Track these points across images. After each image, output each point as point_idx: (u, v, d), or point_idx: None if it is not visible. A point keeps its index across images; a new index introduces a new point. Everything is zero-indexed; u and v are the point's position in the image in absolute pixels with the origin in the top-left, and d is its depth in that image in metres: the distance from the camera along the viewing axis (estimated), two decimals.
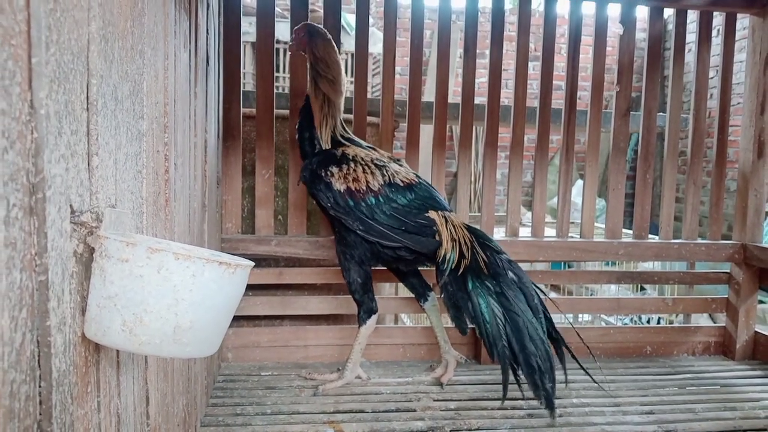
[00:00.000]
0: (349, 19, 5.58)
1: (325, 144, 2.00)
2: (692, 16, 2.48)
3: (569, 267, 3.75)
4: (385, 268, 2.18)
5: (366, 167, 1.96)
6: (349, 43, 5.08)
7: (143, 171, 1.07)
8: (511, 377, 1.78)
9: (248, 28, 4.34)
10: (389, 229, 1.93)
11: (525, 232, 2.53)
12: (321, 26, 2.08)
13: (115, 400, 0.94)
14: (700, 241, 2.47)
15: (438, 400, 1.99)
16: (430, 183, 2.10)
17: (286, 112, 2.32)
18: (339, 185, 1.92)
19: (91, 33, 0.80)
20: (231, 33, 2.17)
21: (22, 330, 0.61)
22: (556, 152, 6.07)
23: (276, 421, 1.80)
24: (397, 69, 6.88)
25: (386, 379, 2.14)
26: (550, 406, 1.75)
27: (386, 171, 1.99)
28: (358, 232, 1.91)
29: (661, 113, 2.70)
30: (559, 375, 1.79)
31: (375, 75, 5.78)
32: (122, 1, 0.93)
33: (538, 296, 1.87)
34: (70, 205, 0.74)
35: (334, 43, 2.03)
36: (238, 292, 0.83)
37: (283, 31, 4.07)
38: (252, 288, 2.31)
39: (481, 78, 2.42)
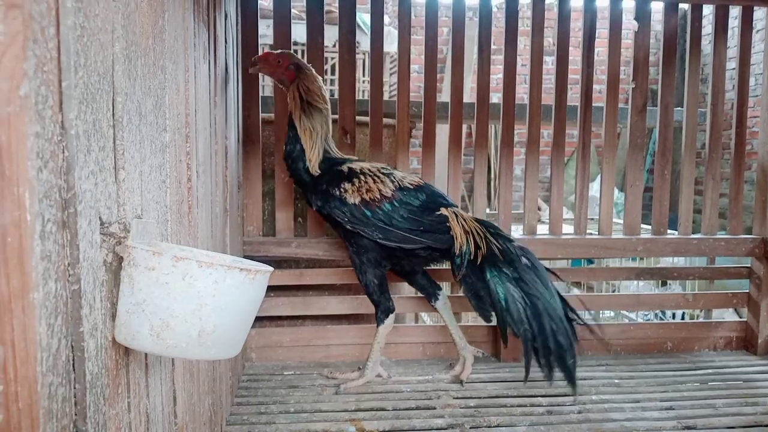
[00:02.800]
0: (365, 18, 5.62)
1: (314, 170, 2.03)
2: (708, 10, 2.46)
3: (590, 263, 3.75)
4: (395, 271, 2.21)
5: (375, 177, 2.01)
6: (365, 42, 5.12)
7: (167, 181, 1.12)
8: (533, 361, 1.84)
9: (266, 31, 4.40)
10: (408, 231, 1.97)
11: (543, 230, 2.54)
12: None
13: (144, 401, 0.99)
14: (719, 235, 2.46)
15: (458, 398, 2.01)
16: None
17: None
18: (353, 199, 1.96)
19: (116, 53, 0.85)
20: (249, 41, 2.22)
21: (57, 336, 0.66)
22: (574, 149, 6.06)
23: (299, 419, 1.85)
24: (414, 67, 6.92)
25: (406, 378, 2.18)
26: (572, 382, 1.81)
27: (394, 177, 2.04)
28: (378, 240, 1.96)
29: (678, 108, 2.69)
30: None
31: (392, 74, 5.82)
32: (144, 20, 0.97)
33: (552, 280, 1.95)
34: (100, 217, 0.79)
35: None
36: (259, 296, 0.87)
37: (300, 32, 4.13)
38: (274, 289, 2.36)
39: (497, 75, 2.44)
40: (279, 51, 2.05)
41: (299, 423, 1.82)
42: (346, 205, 1.98)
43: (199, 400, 1.42)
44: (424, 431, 1.79)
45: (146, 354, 0.99)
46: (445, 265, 2.15)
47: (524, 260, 1.96)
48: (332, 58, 5.79)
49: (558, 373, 1.82)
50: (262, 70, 2.05)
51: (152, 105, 1.03)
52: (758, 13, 2.66)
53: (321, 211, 2.02)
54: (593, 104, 2.46)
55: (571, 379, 1.81)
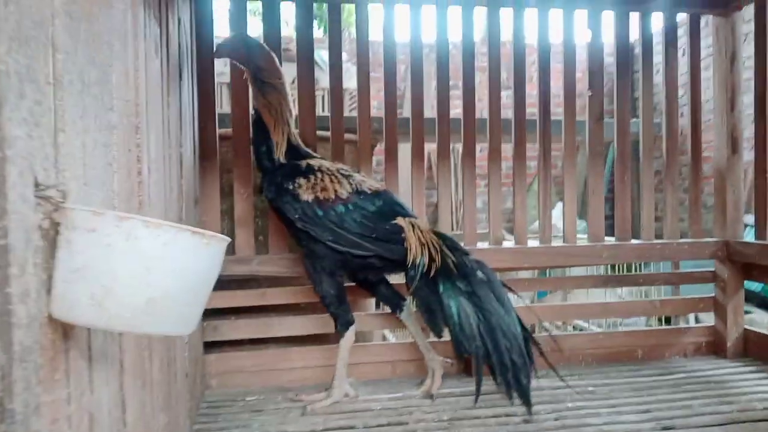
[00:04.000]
0: (322, 54, 5.66)
1: (280, 154, 1.98)
2: (658, 19, 2.54)
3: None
4: (354, 283, 2.15)
5: (333, 177, 1.96)
6: (324, 79, 5.14)
7: (114, 165, 1.04)
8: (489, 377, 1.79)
9: (224, 69, 4.37)
10: (359, 237, 1.91)
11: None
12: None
13: (87, 396, 0.89)
14: (682, 240, 2.47)
15: (430, 413, 1.93)
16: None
17: None
18: (307, 196, 1.90)
19: (56, 7, 0.79)
20: (204, 52, 2.17)
21: None
22: (534, 177, 6.16)
23: None
24: (373, 103, 6.97)
25: (376, 396, 2.08)
26: (527, 403, 1.76)
27: (352, 180, 1.99)
28: (327, 243, 1.89)
29: (634, 119, 2.75)
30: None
31: (351, 110, 5.84)
32: None
33: (508, 295, 1.90)
34: (35, 177, 0.71)
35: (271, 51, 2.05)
36: (214, 266, 0.80)
37: None
38: (234, 311, 2.26)
39: (457, 100, 2.44)
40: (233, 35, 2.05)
41: None
42: (299, 202, 1.91)
43: (153, 414, 1.30)
44: None
45: (90, 344, 0.89)
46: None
47: (480, 274, 1.90)
48: (292, 94, 5.81)
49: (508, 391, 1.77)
50: (222, 54, 2.04)
51: (97, 78, 0.96)
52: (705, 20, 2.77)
53: (272, 203, 1.95)
54: (552, 117, 2.48)
55: (525, 398, 1.76)
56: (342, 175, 1.98)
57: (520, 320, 1.86)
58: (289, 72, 2.33)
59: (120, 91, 1.10)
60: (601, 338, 2.45)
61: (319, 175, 1.94)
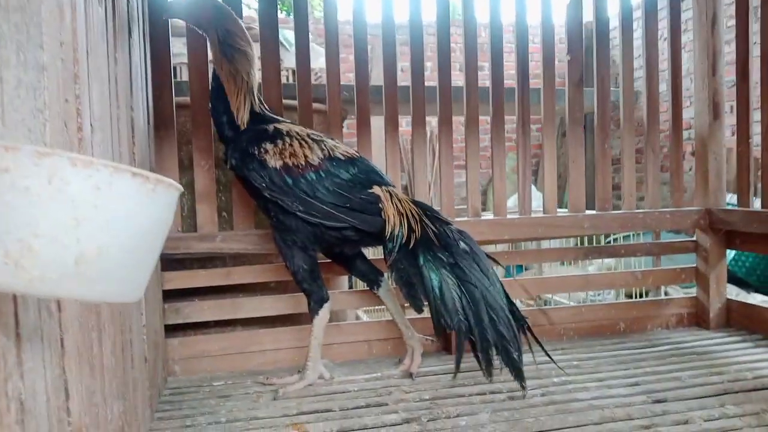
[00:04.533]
0: (287, 35, 5.45)
1: (243, 123, 1.83)
2: None
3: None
4: (329, 259, 2.02)
5: (303, 141, 1.81)
6: (288, 59, 4.94)
7: (45, 112, 0.89)
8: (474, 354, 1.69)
9: (182, 49, 4.14)
10: (332, 207, 1.77)
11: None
12: None
13: (15, 383, 0.74)
14: (664, 209, 2.40)
15: (411, 392, 1.82)
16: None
17: None
18: (275, 162, 1.75)
19: None
20: (157, 15, 1.98)
21: None
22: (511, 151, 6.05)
23: (232, 429, 1.60)
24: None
25: (353, 377, 1.96)
26: (520, 376, 1.67)
27: (324, 145, 1.84)
28: (298, 213, 1.75)
29: (614, 89, 2.66)
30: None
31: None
32: None
33: (492, 266, 1.79)
34: None
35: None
36: (162, 218, 0.65)
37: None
38: (198, 292, 2.10)
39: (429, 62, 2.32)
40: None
41: None
42: (266, 169, 1.76)
43: (104, 402, 1.15)
44: (377, 428, 1.57)
45: (17, 320, 0.74)
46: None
47: (462, 245, 1.78)
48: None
49: (497, 367, 1.69)
50: (176, 14, 1.85)
51: (19, 3, 0.80)
52: None
53: (237, 172, 1.80)
54: (530, 84, 2.38)
55: (518, 372, 1.67)
56: (312, 140, 1.83)
57: (505, 293, 1.75)
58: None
59: (52, 28, 0.94)
60: (583, 311, 2.37)
61: (287, 139, 1.79)
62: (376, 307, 3.05)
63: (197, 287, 2.09)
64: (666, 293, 3.51)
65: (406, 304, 1.91)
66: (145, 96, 1.86)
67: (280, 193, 1.75)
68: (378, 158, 2.32)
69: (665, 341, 2.25)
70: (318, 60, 5.31)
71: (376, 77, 2.27)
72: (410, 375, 1.95)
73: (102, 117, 1.27)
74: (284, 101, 2.16)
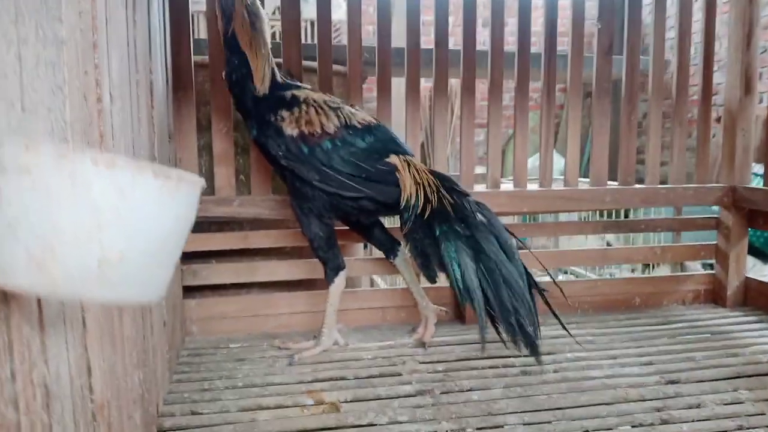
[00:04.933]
0: None
1: (264, 89, 1.79)
2: None
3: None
4: (346, 226, 2.01)
5: (319, 108, 1.77)
6: (306, 10, 4.82)
7: (65, 88, 0.86)
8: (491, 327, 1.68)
9: None
10: (348, 177, 1.75)
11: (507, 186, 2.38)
12: None
13: (40, 369, 0.75)
14: (687, 185, 2.35)
15: (424, 363, 1.83)
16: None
17: None
18: (291, 130, 1.73)
19: None
20: None
21: None
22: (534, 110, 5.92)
23: (248, 394, 1.63)
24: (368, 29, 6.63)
25: (366, 344, 1.98)
26: (535, 351, 1.62)
27: (341, 112, 1.81)
28: (314, 183, 1.73)
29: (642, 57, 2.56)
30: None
31: (337, 40, 5.55)
32: None
33: (511, 239, 1.75)
34: None
35: None
36: (185, 215, 0.64)
37: None
38: (215, 254, 2.11)
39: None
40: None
41: (248, 398, 1.59)
42: (282, 136, 1.74)
43: (125, 373, 1.17)
44: (390, 399, 1.59)
45: (40, 306, 0.74)
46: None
47: (480, 216, 1.75)
48: (272, 27, 5.50)
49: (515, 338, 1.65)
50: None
51: None
52: None
53: (257, 140, 1.78)
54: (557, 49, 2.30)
55: (533, 348, 1.63)
56: (329, 107, 1.80)
57: (524, 266, 1.73)
58: (270, 1, 2.13)
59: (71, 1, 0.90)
60: (599, 285, 2.35)
61: (304, 107, 1.75)
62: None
63: (215, 250, 2.09)
64: (682, 267, 3.48)
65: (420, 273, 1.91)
66: (163, 56, 1.82)
67: (296, 161, 1.73)
68: (398, 120, 2.28)
69: (680, 318, 2.24)
70: (337, 11, 5.19)
71: (397, 34, 2.19)
72: (423, 344, 1.96)
73: (121, 84, 1.24)
74: (303, 63, 2.11)
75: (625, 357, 1.86)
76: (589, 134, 2.36)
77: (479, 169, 2.50)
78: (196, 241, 2.05)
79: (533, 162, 4.34)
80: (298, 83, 1.88)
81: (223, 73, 1.84)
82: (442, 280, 1.86)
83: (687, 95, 2.36)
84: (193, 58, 2.02)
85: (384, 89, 2.17)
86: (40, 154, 0.54)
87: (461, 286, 1.66)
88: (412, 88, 2.19)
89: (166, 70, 1.86)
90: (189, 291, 2.10)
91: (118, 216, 0.56)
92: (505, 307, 1.64)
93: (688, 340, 2.01)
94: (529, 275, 1.73)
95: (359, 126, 1.81)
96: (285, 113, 1.73)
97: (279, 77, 1.83)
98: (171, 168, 0.67)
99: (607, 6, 2.29)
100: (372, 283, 2.86)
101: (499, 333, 1.69)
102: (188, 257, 2.07)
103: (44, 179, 0.54)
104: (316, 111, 1.76)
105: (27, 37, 0.73)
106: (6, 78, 0.66)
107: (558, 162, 3.01)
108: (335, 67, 2.19)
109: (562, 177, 2.33)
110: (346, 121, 1.79)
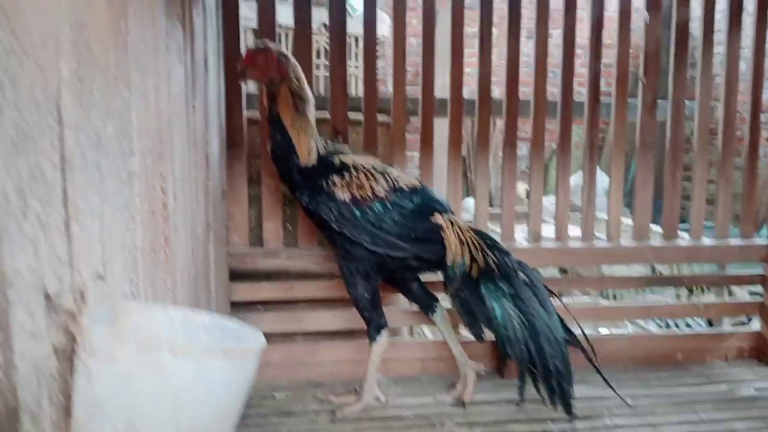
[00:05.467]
0: (352, 1, 5.38)
1: (306, 163, 1.83)
2: (721, 3, 2.30)
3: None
4: (386, 282, 2.06)
5: (368, 174, 1.84)
6: (351, 26, 4.91)
7: (136, 217, 0.94)
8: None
9: (248, 13, 4.15)
10: (398, 237, 1.82)
11: (548, 230, 2.38)
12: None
13: None
14: (732, 242, 2.32)
15: (462, 424, 1.87)
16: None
17: None
18: (342, 194, 1.79)
19: (63, 76, 0.66)
20: (231, 33, 2.02)
21: None
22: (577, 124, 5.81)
23: None
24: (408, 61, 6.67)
25: (406, 400, 2.02)
26: (569, 410, 1.74)
27: (388, 176, 1.87)
28: (364, 244, 1.79)
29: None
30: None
31: (380, 57, 5.61)
32: (101, 30, 0.78)
33: (551, 297, 1.85)
34: (45, 293, 0.61)
35: None
36: (249, 375, 0.71)
37: (285, 15, 3.89)
38: (262, 303, 2.19)
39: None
40: (261, 46, 1.79)
41: None
42: (334, 201, 1.80)
43: None
44: None
45: None
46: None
47: (522, 275, 1.85)
48: (317, 42, 5.60)
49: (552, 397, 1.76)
50: (253, 76, 1.80)
51: (114, 130, 0.85)
52: None
53: (308, 207, 1.83)
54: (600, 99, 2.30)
55: (567, 405, 1.74)
56: (377, 171, 1.86)
57: (563, 323, 1.79)
58: (317, 17, 2.21)
59: (141, 129, 0.98)
60: (641, 340, 2.35)
61: (354, 172, 1.82)
62: None
63: (262, 299, 2.17)
64: (730, 292, 3.40)
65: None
66: (219, 120, 1.91)
67: (348, 225, 1.79)
68: (439, 171, 2.32)
69: (724, 378, 2.21)
70: (381, 27, 5.26)
71: (441, 38, 2.23)
72: (463, 403, 1.99)
73: (183, 177, 1.32)
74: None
75: (664, 425, 1.86)
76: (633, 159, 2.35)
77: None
78: (244, 290, 2.13)
79: (576, 180, 4.31)
80: (337, 147, 1.93)
81: (268, 147, 1.88)
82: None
83: (734, 149, 2.33)
84: (245, 115, 2.11)
85: (427, 146, 2.22)
86: (125, 346, 0.61)
87: (508, 346, 1.76)
88: (454, 147, 2.22)
89: (221, 131, 1.95)
90: None
91: (193, 397, 0.63)
92: (548, 367, 1.73)
93: (730, 407, 1.98)
94: (569, 332, 1.78)
95: (406, 188, 1.87)
96: (336, 178, 1.80)
97: (321, 148, 1.87)
98: (238, 326, 0.73)
99: (652, 60, 2.28)
100: (412, 332, 2.90)
101: (538, 390, 1.78)
102: (237, 306, 2.15)
103: (129, 367, 0.61)
104: (366, 176, 1.82)
105: (106, 195, 0.80)
106: (90, 247, 0.73)
107: (602, 180, 2.97)
108: (380, 117, 2.26)
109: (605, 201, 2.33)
110: (393, 184, 1.85)
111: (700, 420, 1.89)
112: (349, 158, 1.87)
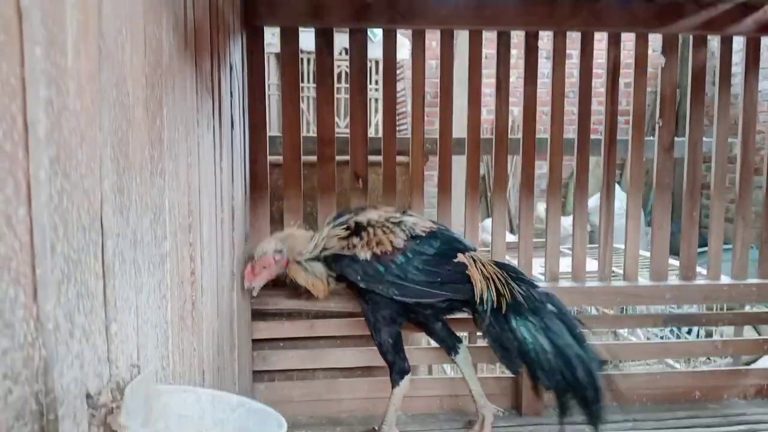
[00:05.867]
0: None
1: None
2: (738, 43, 2.33)
3: None
4: (411, 321, 2.11)
5: (385, 228, 1.90)
6: (372, 51, 5.00)
7: (167, 295, 1.01)
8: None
9: (271, 39, 4.25)
10: (425, 285, 1.86)
11: (564, 264, 2.42)
12: None
13: None
14: (750, 281, 2.33)
15: None
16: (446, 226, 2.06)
17: (314, 158, 2.24)
18: (364, 254, 1.86)
19: (104, 192, 0.74)
20: (256, 87, 2.10)
21: None
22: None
23: None
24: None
25: None
26: None
27: (404, 225, 1.92)
28: (394, 297, 1.85)
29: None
30: None
31: (400, 80, 5.69)
32: (139, 133, 0.86)
33: (579, 326, 1.87)
34: (87, 393, 0.68)
35: None
36: None
37: (307, 41, 4.00)
38: (283, 341, 2.26)
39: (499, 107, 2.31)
40: (257, 257, 1.94)
41: None
42: (358, 262, 1.87)
43: None
44: None
45: None
46: (464, 314, 2.04)
47: (550, 306, 1.87)
48: (338, 66, 5.71)
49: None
50: (265, 280, 1.97)
51: (150, 222, 0.92)
52: None
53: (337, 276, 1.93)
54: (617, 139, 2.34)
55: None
56: (393, 223, 1.92)
57: (595, 354, 1.83)
58: (338, 42, 2.32)
59: (173, 210, 1.05)
60: (659, 378, 2.36)
61: (371, 230, 1.88)
62: None
63: (283, 337, 2.24)
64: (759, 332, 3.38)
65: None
66: (242, 169, 1.99)
67: (374, 282, 1.85)
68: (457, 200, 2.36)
69: (741, 418, 2.21)
70: (401, 51, 5.33)
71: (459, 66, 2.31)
72: None
73: (209, 239, 1.39)
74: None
75: None
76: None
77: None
78: (266, 329, 2.21)
79: (594, 201, 4.31)
80: (347, 215, 2.00)
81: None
82: (497, 371, 1.95)
83: (752, 189, 2.34)
84: (268, 160, 2.19)
85: (445, 187, 2.27)
86: None
87: (543, 375, 1.79)
88: (472, 186, 2.28)
89: (245, 180, 2.03)
90: (258, 374, 2.25)
91: None
92: (587, 393, 1.76)
93: None
94: (601, 361, 1.82)
95: (424, 234, 1.92)
96: (355, 240, 1.87)
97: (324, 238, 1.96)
98: (262, 409, 0.79)
99: (669, 102, 2.31)
100: (431, 370, 2.95)
101: (577, 418, 1.81)
102: (258, 342, 2.22)
103: None
104: (383, 231, 1.88)
105: (141, 286, 0.87)
106: (127, 341, 0.80)
107: (620, 198, 2.96)
108: (398, 158, 2.32)
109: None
110: (410, 232, 1.91)
111: None
112: (362, 217, 1.94)
